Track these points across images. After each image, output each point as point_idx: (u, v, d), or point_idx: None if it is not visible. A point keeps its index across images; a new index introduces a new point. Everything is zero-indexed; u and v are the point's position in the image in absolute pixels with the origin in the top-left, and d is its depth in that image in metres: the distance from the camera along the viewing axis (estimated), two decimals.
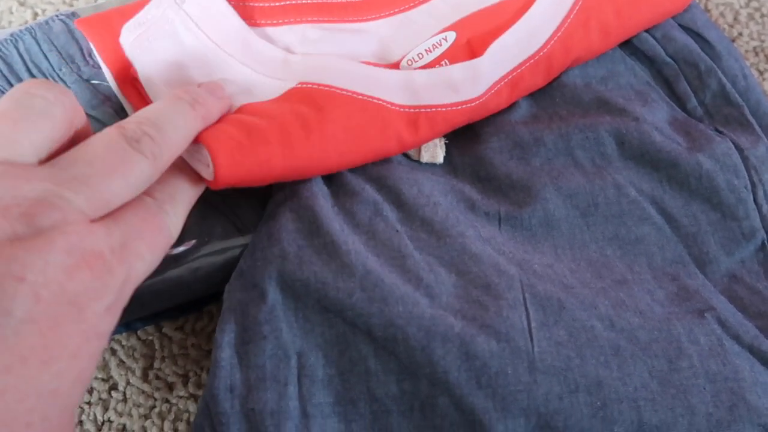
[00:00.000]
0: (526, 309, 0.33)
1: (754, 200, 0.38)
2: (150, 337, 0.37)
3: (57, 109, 0.26)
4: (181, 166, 0.32)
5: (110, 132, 0.27)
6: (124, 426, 0.35)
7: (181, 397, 0.35)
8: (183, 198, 0.31)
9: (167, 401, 0.35)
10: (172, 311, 0.38)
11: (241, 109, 0.35)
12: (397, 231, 0.35)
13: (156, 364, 0.36)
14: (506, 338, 0.31)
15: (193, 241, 0.36)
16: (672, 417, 0.31)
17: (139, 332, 0.37)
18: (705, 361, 0.32)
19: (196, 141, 0.32)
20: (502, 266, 0.34)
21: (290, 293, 0.32)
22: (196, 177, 0.32)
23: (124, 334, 0.37)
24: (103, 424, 0.35)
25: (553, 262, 0.36)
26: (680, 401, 0.31)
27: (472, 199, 0.38)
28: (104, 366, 0.36)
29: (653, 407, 0.31)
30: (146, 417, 0.35)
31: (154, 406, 0.35)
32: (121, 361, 0.36)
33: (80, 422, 0.35)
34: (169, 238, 0.29)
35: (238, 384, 0.31)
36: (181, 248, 0.35)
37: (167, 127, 0.29)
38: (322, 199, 0.36)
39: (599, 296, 0.34)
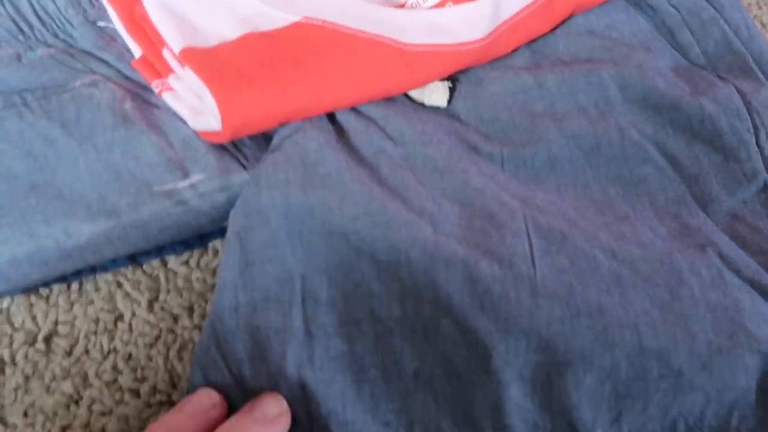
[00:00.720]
0: (529, 238, 0.33)
1: (757, 143, 0.39)
2: (155, 272, 0.37)
3: None
4: None
5: None
6: (130, 354, 0.35)
7: (185, 328, 0.36)
8: None
9: (172, 331, 0.36)
10: (176, 245, 0.38)
11: (244, 39, 0.35)
12: (401, 165, 0.35)
13: (161, 297, 0.37)
14: (509, 264, 0.31)
15: (200, 176, 0.36)
16: (672, 342, 0.31)
17: (144, 266, 0.37)
18: (706, 292, 0.33)
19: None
20: (505, 199, 0.35)
21: (294, 218, 0.33)
22: None
23: (129, 267, 0.37)
24: (109, 352, 0.35)
25: (556, 199, 0.36)
26: (681, 328, 0.31)
27: (475, 141, 0.38)
28: (110, 298, 0.37)
29: (654, 333, 0.31)
30: (151, 346, 0.35)
31: (159, 336, 0.36)
32: (127, 294, 0.37)
33: (87, 351, 0.35)
34: None
35: (243, 304, 0.31)
36: (186, 182, 0.36)
37: None
38: (326, 133, 0.36)
39: (601, 229, 0.35)
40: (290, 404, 0.30)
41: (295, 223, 0.32)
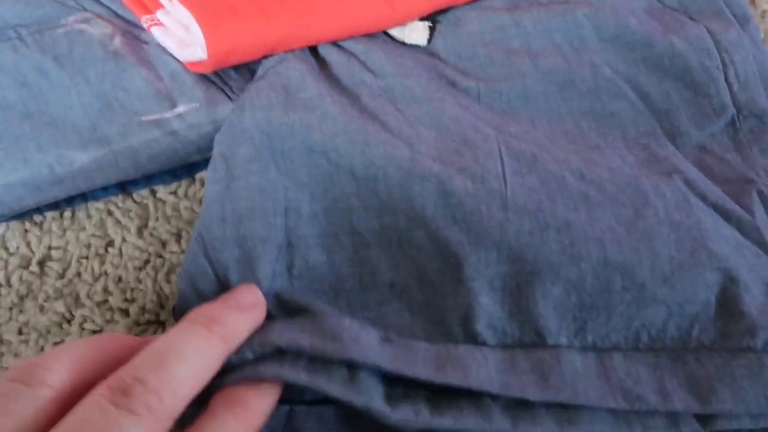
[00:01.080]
0: (501, 158, 0.34)
1: (726, 80, 0.40)
2: (145, 201, 0.39)
3: (42, 393, 0.23)
4: None
5: (95, 394, 0.23)
6: (120, 277, 0.37)
7: (173, 253, 0.37)
8: None
9: (161, 256, 0.37)
10: (165, 176, 0.39)
11: None
12: (380, 95, 0.37)
13: (150, 224, 0.38)
14: (481, 180, 0.33)
15: (187, 107, 0.37)
16: (636, 257, 0.32)
17: (134, 195, 0.39)
18: (670, 212, 0.34)
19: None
20: (480, 127, 0.36)
21: (276, 136, 0.34)
22: None
23: (120, 196, 0.39)
24: (100, 275, 0.37)
25: (530, 129, 0.38)
26: (644, 244, 0.33)
27: (453, 76, 0.40)
28: (101, 225, 0.38)
29: (618, 248, 0.32)
30: (141, 269, 0.37)
31: (148, 260, 0.37)
32: (117, 221, 0.38)
33: (78, 274, 0.37)
34: None
35: (230, 215, 0.33)
36: (174, 112, 0.37)
37: (173, 363, 0.24)
38: (309, 64, 0.37)
39: (571, 155, 0.36)
40: (273, 308, 0.31)
41: (277, 140, 0.34)
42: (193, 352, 0.25)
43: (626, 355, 0.32)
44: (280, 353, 0.28)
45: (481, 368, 0.30)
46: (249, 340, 0.28)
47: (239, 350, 0.28)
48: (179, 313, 0.31)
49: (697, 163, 0.38)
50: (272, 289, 0.32)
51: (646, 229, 0.33)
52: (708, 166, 0.38)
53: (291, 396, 0.32)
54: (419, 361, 0.30)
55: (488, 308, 0.32)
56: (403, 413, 0.28)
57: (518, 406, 0.30)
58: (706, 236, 0.34)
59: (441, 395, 0.29)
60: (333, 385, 0.28)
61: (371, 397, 0.28)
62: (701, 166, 0.38)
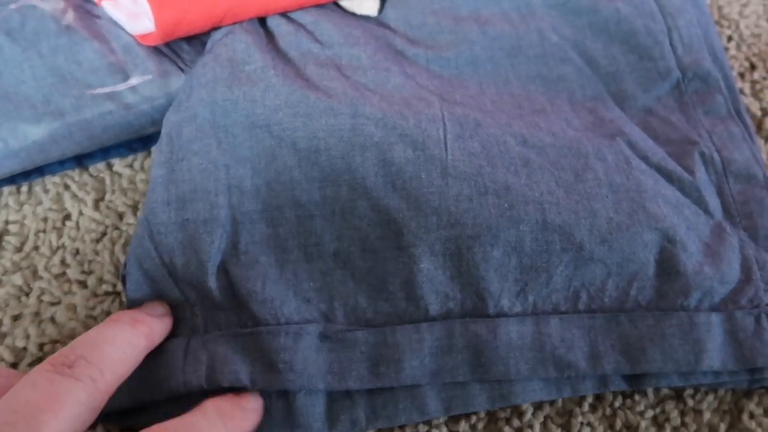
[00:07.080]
0: (444, 123, 0.35)
1: (671, 43, 0.41)
2: (101, 174, 0.39)
3: None
4: None
5: (38, 367, 0.26)
6: (78, 249, 0.37)
7: (130, 225, 0.38)
8: None
9: (117, 228, 0.38)
10: (121, 149, 0.40)
11: None
12: (327, 64, 0.37)
13: (107, 197, 0.39)
14: (422, 147, 0.34)
15: (140, 79, 0.38)
16: (575, 219, 0.33)
17: (90, 169, 0.40)
18: (610, 175, 0.35)
19: None
20: (424, 95, 0.37)
21: (220, 112, 0.35)
22: None
23: (76, 170, 0.39)
24: (57, 248, 0.38)
25: (477, 95, 0.39)
26: (583, 206, 0.34)
27: (402, 45, 0.40)
28: (58, 199, 0.39)
29: (557, 210, 0.33)
30: (98, 241, 0.38)
31: (105, 233, 0.38)
32: (74, 195, 0.39)
33: (36, 247, 0.38)
34: None
35: (174, 198, 0.34)
36: (127, 84, 0.38)
37: (105, 347, 0.27)
38: (256, 36, 0.38)
39: (515, 119, 0.37)
40: (217, 290, 0.33)
41: (220, 116, 0.35)
42: (122, 340, 0.28)
43: (563, 319, 0.33)
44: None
45: (414, 357, 0.31)
46: (198, 377, 0.30)
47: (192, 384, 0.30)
48: (132, 291, 0.33)
49: (643, 125, 0.39)
50: (218, 266, 0.33)
51: (586, 191, 0.34)
52: (653, 127, 0.39)
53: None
54: (356, 362, 0.31)
55: (429, 273, 0.33)
56: (339, 428, 0.31)
57: (453, 386, 0.32)
58: (644, 197, 0.35)
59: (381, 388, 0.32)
60: (273, 426, 0.31)
61: (309, 426, 0.31)
62: (646, 128, 0.39)
